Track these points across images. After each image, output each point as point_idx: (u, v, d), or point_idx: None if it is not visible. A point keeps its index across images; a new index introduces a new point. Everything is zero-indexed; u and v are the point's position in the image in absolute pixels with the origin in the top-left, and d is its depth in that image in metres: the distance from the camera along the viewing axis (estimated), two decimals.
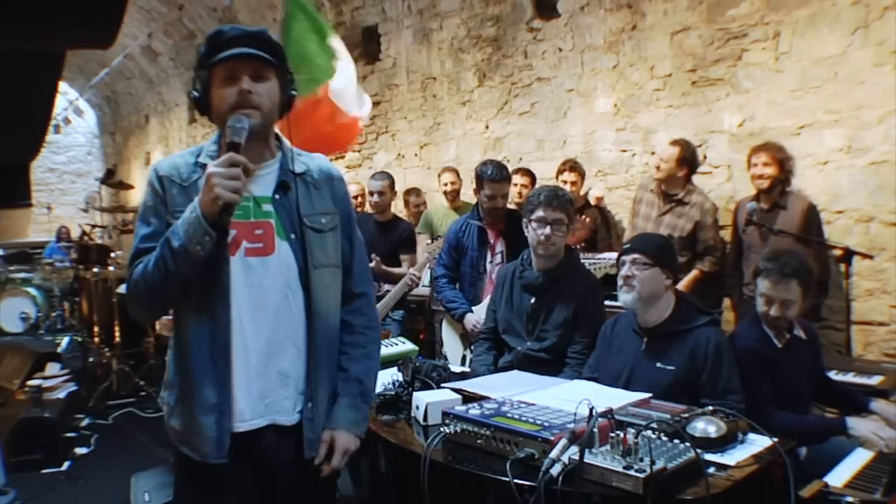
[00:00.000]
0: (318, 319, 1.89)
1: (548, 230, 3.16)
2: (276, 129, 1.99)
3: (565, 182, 5.13)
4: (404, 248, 5.10)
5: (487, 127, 6.69)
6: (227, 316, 1.79)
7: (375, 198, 5.17)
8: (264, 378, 1.83)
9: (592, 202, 5.36)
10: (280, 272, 1.85)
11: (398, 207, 6.38)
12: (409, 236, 5.24)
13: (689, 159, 4.57)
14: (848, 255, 3.98)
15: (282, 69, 1.88)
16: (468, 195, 6.45)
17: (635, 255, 2.72)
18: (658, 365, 2.66)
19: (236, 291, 1.80)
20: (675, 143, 4.66)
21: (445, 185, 6.00)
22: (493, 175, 4.01)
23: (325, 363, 1.93)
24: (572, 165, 5.26)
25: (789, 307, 2.77)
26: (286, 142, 1.98)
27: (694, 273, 4.52)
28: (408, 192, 6.70)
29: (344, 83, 4.63)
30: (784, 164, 4.22)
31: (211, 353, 1.79)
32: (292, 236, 1.87)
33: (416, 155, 7.54)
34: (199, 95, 1.86)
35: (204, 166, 1.80)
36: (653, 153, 4.87)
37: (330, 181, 2.00)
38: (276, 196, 1.88)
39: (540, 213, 3.18)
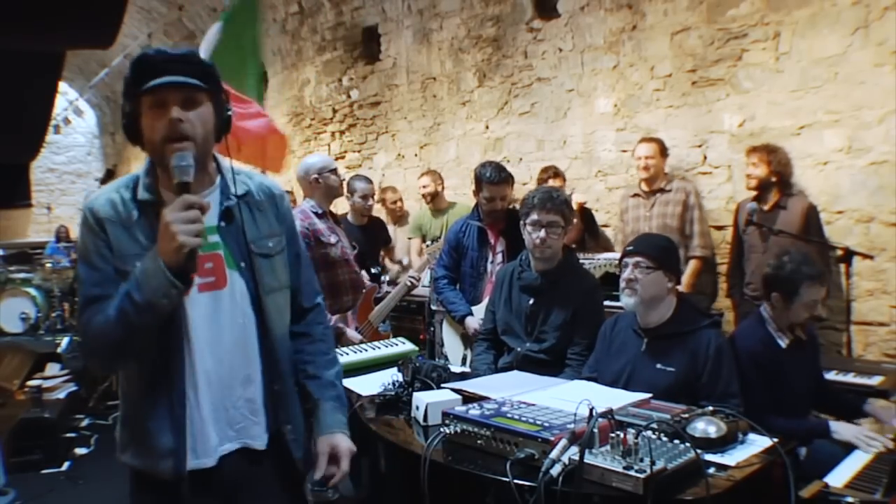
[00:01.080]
0: (276, 343, 1.86)
1: (543, 233, 3.15)
2: (213, 151, 1.88)
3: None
4: (385, 244, 5.30)
5: (487, 127, 6.69)
6: (181, 360, 1.73)
7: (369, 202, 5.16)
8: (233, 408, 1.79)
9: (574, 207, 5.34)
10: (234, 303, 1.80)
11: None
12: (386, 232, 5.46)
13: (665, 150, 4.88)
14: (848, 255, 3.99)
15: (214, 91, 1.77)
16: (458, 194, 6.49)
17: (638, 258, 2.71)
18: (658, 366, 2.66)
19: (195, 330, 1.74)
20: (647, 140, 4.90)
21: (424, 187, 6.01)
22: (492, 177, 4.01)
23: (291, 384, 1.93)
24: (555, 173, 5.36)
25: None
26: (224, 162, 1.88)
27: (692, 265, 4.57)
28: (384, 191, 6.74)
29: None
30: (774, 166, 4.26)
31: (168, 399, 1.73)
32: (242, 265, 1.81)
33: (415, 155, 7.54)
34: (127, 124, 1.75)
35: (142, 203, 1.74)
36: (638, 158, 4.91)
37: (272, 199, 1.93)
38: (222, 224, 1.81)
39: (534, 216, 3.17)
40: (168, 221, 1.55)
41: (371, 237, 5.16)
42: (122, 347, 1.68)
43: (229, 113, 1.84)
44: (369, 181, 5.22)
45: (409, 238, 5.99)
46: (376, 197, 5.87)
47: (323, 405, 1.93)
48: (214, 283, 1.77)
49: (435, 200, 5.96)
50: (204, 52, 4.45)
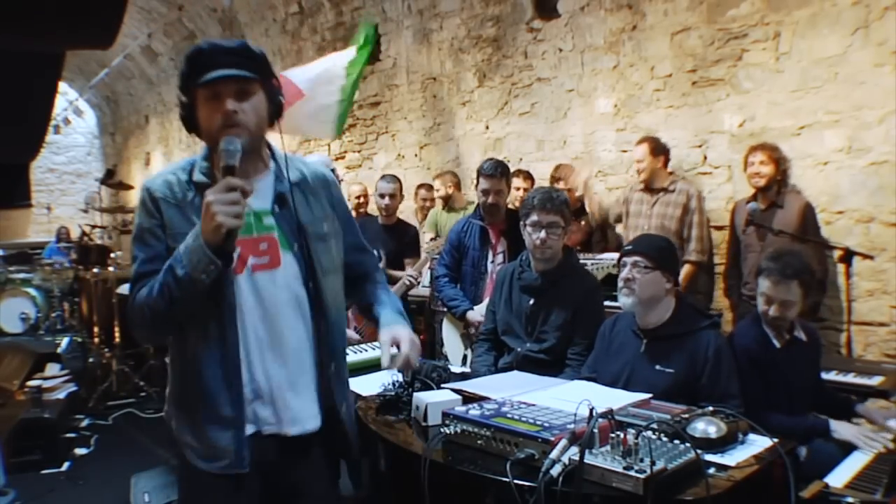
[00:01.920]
0: (330, 324, 1.92)
1: (543, 234, 3.15)
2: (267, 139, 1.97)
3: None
4: (409, 252, 5.09)
5: (488, 127, 6.69)
6: (235, 336, 1.79)
7: (386, 200, 5.10)
8: (290, 390, 1.85)
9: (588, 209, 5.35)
10: (287, 284, 1.86)
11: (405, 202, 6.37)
12: (413, 239, 5.23)
13: (659, 149, 4.83)
14: (848, 255, 3.99)
15: (266, 80, 1.84)
16: (470, 195, 6.47)
17: (636, 258, 2.70)
18: (657, 367, 2.66)
19: (247, 308, 1.81)
20: (641, 141, 4.89)
21: (438, 189, 6.01)
22: (487, 170, 4.05)
23: (344, 366, 2.00)
24: (526, 175, 5.51)
25: (789, 308, 2.77)
26: (278, 150, 1.96)
27: (686, 269, 4.57)
28: (419, 186, 6.70)
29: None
30: (780, 163, 4.28)
31: (224, 374, 1.79)
32: (296, 247, 1.87)
33: (416, 155, 7.54)
34: (185, 116, 1.84)
35: (198, 184, 1.80)
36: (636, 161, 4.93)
37: (326, 186, 2.01)
38: (276, 208, 1.88)
39: (535, 216, 3.17)
40: (209, 201, 1.62)
41: (394, 238, 5.07)
42: (164, 319, 1.75)
43: (281, 98, 1.91)
44: (392, 180, 5.21)
45: (423, 232, 5.96)
46: (402, 200, 5.84)
47: (384, 309, 2.05)
48: (269, 263, 1.85)
49: (449, 202, 5.96)
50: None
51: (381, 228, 5.10)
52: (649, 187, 4.83)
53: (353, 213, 5.91)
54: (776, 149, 4.35)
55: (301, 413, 1.87)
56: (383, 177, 5.29)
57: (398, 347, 1.93)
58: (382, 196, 5.11)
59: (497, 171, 4.06)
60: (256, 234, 1.84)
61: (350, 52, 5.36)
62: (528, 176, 5.55)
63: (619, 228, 5.33)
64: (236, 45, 1.82)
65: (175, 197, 1.82)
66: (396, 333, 1.95)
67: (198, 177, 1.84)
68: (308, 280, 1.88)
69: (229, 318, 1.78)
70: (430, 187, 6.61)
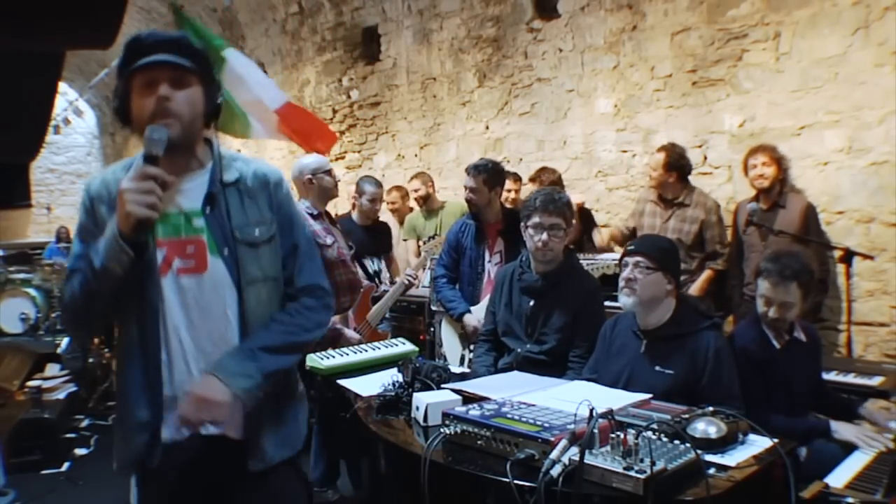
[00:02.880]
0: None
1: (545, 236, 3.13)
2: (211, 136, 1.91)
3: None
4: (385, 250, 5.18)
5: (487, 127, 6.69)
6: (157, 338, 1.75)
7: (376, 205, 5.08)
8: None
9: (574, 207, 5.30)
10: (215, 290, 1.79)
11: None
12: (389, 238, 5.32)
13: (676, 164, 4.59)
14: (848, 255, 3.99)
15: (205, 75, 1.80)
16: (458, 195, 6.45)
17: (639, 258, 2.70)
18: (657, 368, 2.65)
19: (172, 312, 1.76)
20: (661, 149, 4.71)
21: (416, 190, 5.91)
22: (468, 168, 4.15)
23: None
24: (516, 178, 5.43)
25: (789, 309, 2.77)
26: (220, 149, 1.89)
27: (707, 273, 4.54)
28: (390, 190, 6.62)
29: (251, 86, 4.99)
30: (781, 164, 4.27)
31: (144, 373, 1.76)
32: (225, 251, 1.79)
33: (416, 155, 7.54)
34: (119, 105, 1.79)
35: None
36: (653, 153, 4.91)
37: (266, 186, 1.89)
38: (207, 209, 1.80)
39: (536, 218, 3.16)
40: (122, 189, 1.59)
41: (374, 239, 5.11)
42: (85, 313, 1.76)
43: (219, 101, 1.85)
44: (379, 185, 5.14)
45: (404, 240, 5.96)
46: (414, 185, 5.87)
47: (235, 349, 1.80)
48: (194, 266, 1.78)
49: (427, 202, 5.93)
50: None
51: (362, 231, 5.05)
52: (662, 198, 4.69)
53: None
54: (775, 149, 4.34)
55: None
56: (368, 178, 5.20)
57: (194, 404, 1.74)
58: (373, 200, 5.04)
59: (475, 170, 4.11)
60: (184, 235, 1.77)
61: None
62: (517, 178, 5.50)
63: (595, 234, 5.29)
64: (176, 36, 1.80)
65: (110, 195, 1.76)
66: (195, 387, 1.74)
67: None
68: (237, 287, 1.80)
69: (151, 320, 1.75)
70: (398, 189, 6.52)
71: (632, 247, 2.78)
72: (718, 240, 4.55)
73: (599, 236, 5.22)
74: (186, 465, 1.82)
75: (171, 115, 1.70)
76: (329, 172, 3.97)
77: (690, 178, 5.02)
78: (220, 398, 1.71)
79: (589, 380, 2.80)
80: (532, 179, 5.28)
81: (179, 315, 1.77)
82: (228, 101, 4.78)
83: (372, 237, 5.08)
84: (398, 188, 6.50)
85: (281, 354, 1.84)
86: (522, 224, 3.26)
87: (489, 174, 4.14)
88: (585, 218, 5.32)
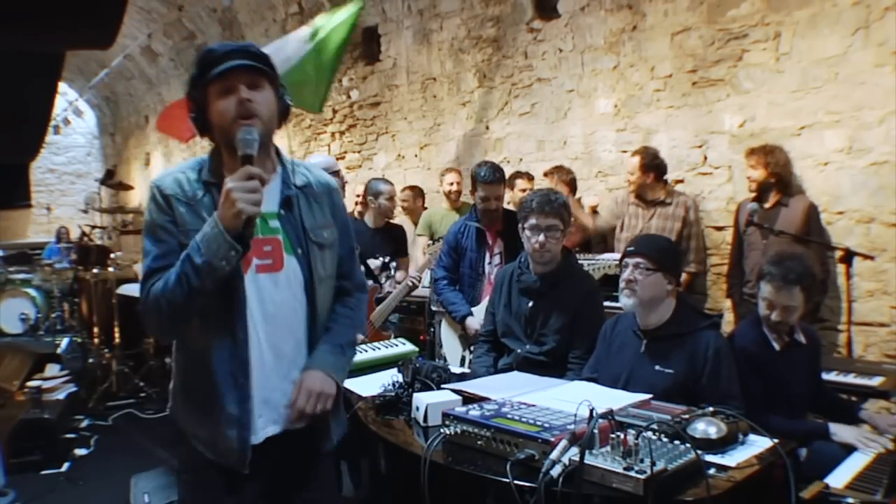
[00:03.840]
0: (321, 329, 1.96)
1: (542, 237, 3.13)
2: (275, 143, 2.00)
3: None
4: (401, 253, 5.03)
5: (488, 128, 6.69)
6: (244, 333, 1.82)
7: (387, 203, 4.91)
8: (281, 389, 1.88)
9: (587, 209, 5.33)
10: (289, 287, 1.89)
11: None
12: (403, 241, 5.18)
13: (651, 165, 4.74)
14: (849, 256, 3.98)
15: (274, 78, 1.89)
16: (468, 195, 6.45)
17: (638, 259, 2.70)
18: (657, 368, 2.65)
19: (251, 308, 1.83)
20: (635, 153, 4.85)
21: (451, 184, 5.86)
22: (486, 177, 4.02)
23: None
24: (529, 177, 5.45)
25: (791, 313, 2.76)
26: (285, 153, 2.00)
27: (684, 278, 4.56)
28: (406, 188, 6.59)
29: None
30: (772, 167, 4.27)
31: (231, 370, 1.82)
32: (299, 251, 1.90)
33: (416, 156, 7.54)
34: (197, 115, 1.86)
35: (207, 184, 1.84)
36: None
37: (329, 193, 2.03)
38: (282, 211, 1.91)
39: (533, 220, 3.16)
40: (229, 188, 1.66)
41: (384, 241, 4.94)
42: (181, 310, 1.77)
43: (289, 102, 1.96)
44: (390, 183, 5.10)
45: (418, 235, 5.90)
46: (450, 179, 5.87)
47: (321, 345, 1.97)
48: (272, 265, 1.88)
49: (457, 199, 5.90)
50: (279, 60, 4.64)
51: (370, 232, 4.92)
52: (643, 199, 4.79)
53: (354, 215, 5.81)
54: (772, 151, 4.33)
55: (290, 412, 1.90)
56: (383, 179, 5.15)
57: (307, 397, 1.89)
58: (389, 199, 4.93)
59: (496, 177, 4.05)
60: (262, 235, 1.86)
61: (307, 30, 5.33)
62: (530, 177, 5.50)
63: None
64: (245, 44, 1.89)
65: (185, 195, 1.84)
66: (304, 379, 1.91)
67: (206, 175, 1.87)
68: (308, 285, 1.91)
69: (240, 314, 1.81)
70: (412, 188, 6.48)
71: (631, 248, 2.78)
72: (695, 241, 4.68)
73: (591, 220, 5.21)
74: (273, 465, 1.91)
75: (253, 114, 1.78)
76: (337, 174, 3.96)
77: (690, 177, 5.05)
78: (330, 391, 1.91)
79: (589, 379, 2.80)
80: (547, 174, 5.29)
81: (257, 311, 1.84)
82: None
83: (385, 240, 4.93)
84: (412, 188, 6.51)
85: (352, 346, 2.11)
86: (520, 226, 3.26)
87: (505, 178, 4.15)
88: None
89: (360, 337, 3.81)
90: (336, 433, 2.06)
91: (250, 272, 1.84)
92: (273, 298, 1.86)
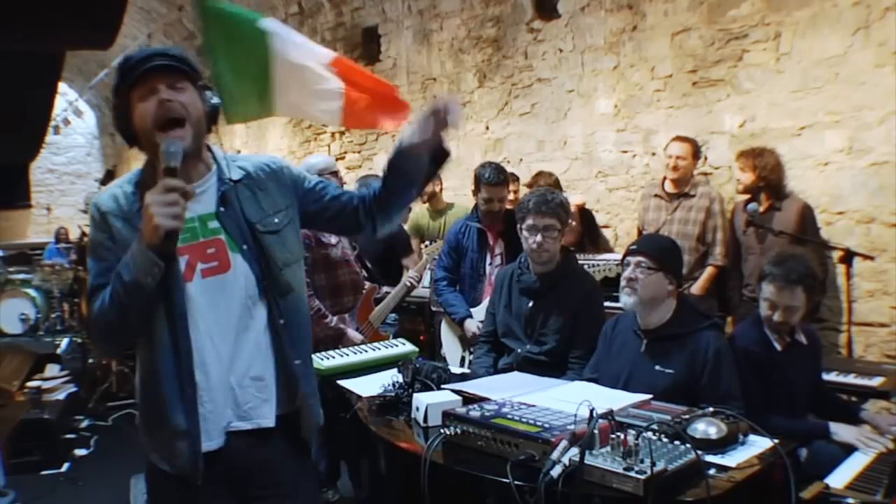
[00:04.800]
0: (291, 317, 1.90)
1: (539, 237, 3.14)
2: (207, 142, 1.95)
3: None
4: (406, 252, 5.04)
5: (488, 128, 6.69)
6: (188, 343, 1.77)
7: None
8: (241, 387, 1.83)
9: (572, 208, 5.31)
10: (239, 285, 1.84)
11: None
12: (406, 239, 5.18)
13: (698, 152, 4.77)
14: (849, 256, 3.98)
15: (196, 79, 1.85)
16: (458, 195, 6.45)
17: (640, 258, 2.70)
18: (657, 368, 2.65)
19: (199, 314, 1.79)
20: (682, 139, 4.73)
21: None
22: (491, 179, 4.01)
23: (309, 357, 2.00)
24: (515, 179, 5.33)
25: (793, 313, 2.76)
26: (218, 151, 1.95)
27: (708, 271, 4.54)
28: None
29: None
30: (760, 171, 4.26)
31: (178, 382, 1.78)
32: (244, 247, 1.85)
33: None
34: (121, 125, 1.83)
35: (142, 195, 1.78)
36: (653, 154, 4.94)
37: (273, 176, 1.97)
38: (221, 209, 1.86)
39: (530, 220, 3.17)
40: (147, 203, 1.62)
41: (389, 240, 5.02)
42: (117, 328, 1.76)
43: (215, 102, 1.90)
44: None
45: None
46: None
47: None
48: (218, 267, 1.83)
49: (433, 201, 5.90)
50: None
51: None
52: (670, 191, 4.71)
53: None
54: (761, 155, 4.32)
55: (255, 410, 1.85)
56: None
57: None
58: None
59: (500, 179, 4.04)
60: (203, 238, 1.83)
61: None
62: (515, 179, 5.47)
63: (608, 231, 5.33)
64: (164, 48, 1.86)
65: (121, 209, 1.81)
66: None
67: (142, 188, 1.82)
68: (262, 278, 1.86)
69: (181, 327, 1.77)
70: None
71: (634, 246, 2.79)
72: (721, 232, 4.58)
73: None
74: (233, 467, 1.86)
75: (176, 114, 1.75)
76: (336, 174, 3.96)
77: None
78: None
79: (590, 379, 2.81)
80: (529, 185, 5.28)
81: (208, 315, 1.81)
82: (234, 82, 4.43)
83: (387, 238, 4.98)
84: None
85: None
86: (518, 226, 3.26)
87: (508, 179, 4.15)
88: (586, 219, 5.32)
89: (360, 338, 3.84)
90: (308, 425, 1.98)
91: (196, 278, 1.80)
92: (224, 299, 1.82)
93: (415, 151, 1.93)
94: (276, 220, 1.91)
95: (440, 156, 1.98)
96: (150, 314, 1.75)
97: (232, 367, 1.83)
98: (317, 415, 2.00)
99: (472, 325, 3.92)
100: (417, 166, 1.96)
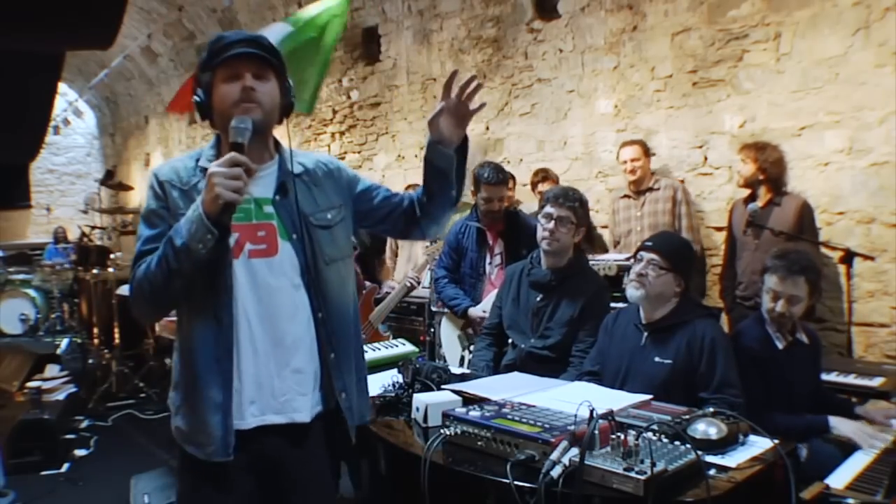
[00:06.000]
0: (334, 312, 1.92)
1: (552, 225, 3.20)
2: (275, 134, 2.00)
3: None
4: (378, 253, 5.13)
5: (488, 128, 6.69)
6: (230, 317, 1.80)
7: None
8: (278, 377, 1.85)
9: None
10: (284, 272, 1.87)
11: None
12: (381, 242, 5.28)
13: (648, 150, 4.98)
14: (849, 256, 3.97)
15: (281, 72, 1.91)
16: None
17: (653, 256, 2.72)
18: (656, 360, 2.68)
19: (242, 293, 1.82)
20: (631, 143, 4.99)
21: None
22: (490, 178, 4.02)
23: (348, 354, 1.98)
24: (545, 175, 5.50)
25: (795, 304, 2.77)
26: (284, 145, 2.00)
27: None
28: None
29: None
30: (761, 164, 4.26)
31: (215, 354, 1.80)
32: (294, 237, 1.89)
33: (416, 156, 7.53)
34: (202, 99, 1.88)
35: (204, 170, 1.81)
36: (654, 154, 5.01)
37: (330, 175, 2.03)
38: (277, 197, 1.90)
39: (548, 209, 3.24)
40: (212, 173, 1.66)
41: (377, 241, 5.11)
42: (161, 293, 1.77)
43: (293, 99, 1.96)
44: None
45: None
46: None
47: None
48: (266, 250, 1.87)
49: None
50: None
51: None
52: (636, 190, 4.93)
53: None
54: (763, 148, 4.32)
55: (291, 403, 1.86)
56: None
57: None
58: None
59: (499, 179, 4.05)
60: (255, 220, 1.87)
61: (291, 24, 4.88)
62: (511, 178, 5.51)
63: (605, 232, 5.38)
64: (257, 35, 1.91)
65: (181, 181, 1.87)
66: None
67: (204, 163, 1.88)
68: (306, 269, 1.88)
69: (226, 300, 1.80)
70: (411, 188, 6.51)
71: (649, 242, 2.81)
72: (686, 220, 4.77)
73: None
74: (268, 459, 1.87)
75: (255, 101, 1.80)
76: None
77: (691, 177, 5.06)
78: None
79: (591, 372, 2.84)
80: (534, 185, 5.42)
81: (249, 295, 1.83)
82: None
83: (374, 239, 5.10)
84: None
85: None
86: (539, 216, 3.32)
87: (507, 178, 4.16)
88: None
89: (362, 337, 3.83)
90: (357, 415, 1.98)
91: (242, 257, 1.83)
92: (267, 282, 1.85)
93: (442, 145, 1.96)
94: (329, 216, 1.96)
95: (464, 144, 2.02)
96: (196, 284, 1.77)
97: (273, 355, 1.85)
98: (353, 419, 1.97)
99: (477, 311, 3.93)
100: (446, 161, 1.98)
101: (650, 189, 4.88)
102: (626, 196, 5.00)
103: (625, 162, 4.93)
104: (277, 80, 1.89)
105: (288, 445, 1.88)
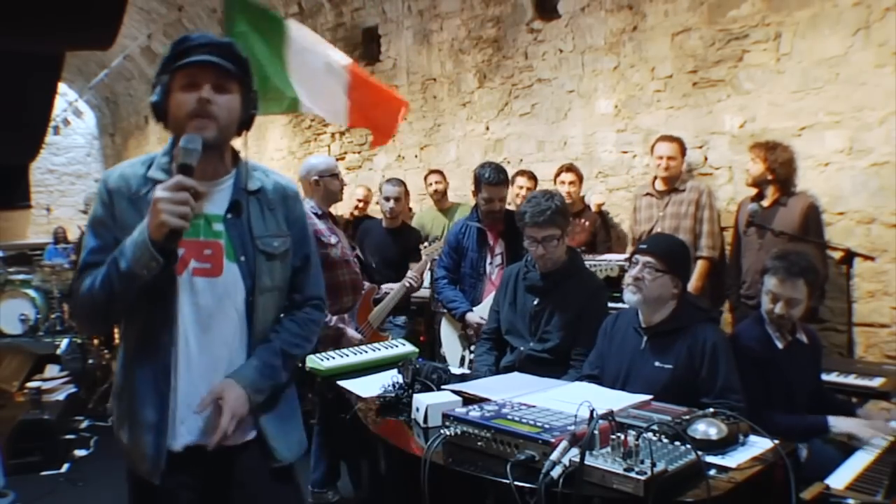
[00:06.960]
0: (256, 342, 1.87)
1: (540, 249, 3.18)
2: (233, 145, 1.92)
3: (563, 182, 5.19)
4: (413, 256, 5.06)
5: (488, 128, 6.69)
6: (170, 336, 1.76)
7: (391, 203, 5.08)
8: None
9: (592, 208, 5.37)
10: (227, 294, 1.81)
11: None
12: (417, 243, 5.19)
13: (685, 149, 4.81)
14: (849, 256, 3.97)
15: (245, 84, 1.83)
16: (458, 195, 6.47)
17: (649, 258, 2.70)
18: (656, 364, 2.66)
19: (183, 311, 1.77)
20: (669, 139, 4.79)
21: (430, 185, 6.05)
22: (491, 178, 4.01)
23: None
24: (569, 167, 5.35)
25: (794, 305, 2.77)
26: (242, 157, 1.92)
27: (700, 266, 4.52)
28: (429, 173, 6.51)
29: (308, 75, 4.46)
30: (771, 163, 4.23)
31: (153, 373, 1.76)
32: (242, 259, 1.82)
33: (416, 156, 7.53)
34: (158, 100, 1.80)
35: (153, 180, 1.76)
36: (659, 157, 4.95)
37: (284, 200, 1.94)
38: (228, 216, 1.83)
39: (529, 232, 3.20)
40: (157, 198, 1.59)
41: (397, 242, 5.07)
42: (103, 312, 1.75)
43: (254, 112, 1.87)
44: (397, 183, 5.19)
45: None
46: (408, 203, 5.83)
47: (250, 360, 1.85)
48: (210, 269, 1.80)
49: (442, 199, 5.96)
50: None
51: (384, 232, 5.11)
52: (661, 189, 4.77)
53: (354, 214, 5.85)
54: (774, 148, 4.30)
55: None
56: (389, 180, 5.29)
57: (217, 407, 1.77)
58: (388, 199, 5.09)
59: (500, 179, 4.05)
60: (203, 237, 1.80)
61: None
62: (531, 176, 5.50)
63: (625, 227, 5.35)
64: (225, 41, 1.82)
65: (129, 190, 1.79)
66: (225, 391, 1.77)
67: (154, 173, 1.81)
68: (250, 293, 1.83)
69: (168, 318, 1.76)
70: (441, 173, 6.39)
71: (643, 246, 2.79)
72: (708, 225, 4.62)
73: None
74: (200, 480, 1.83)
75: (209, 116, 1.72)
76: (336, 176, 3.95)
77: (692, 178, 5.04)
78: (243, 412, 1.79)
79: (590, 375, 2.83)
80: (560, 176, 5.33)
81: (190, 315, 1.78)
82: (268, 76, 4.47)
83: (395, 241, 5.08)
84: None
85: (289, 366, 1.94)
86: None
87: (508, 178, 4.16)
88: (603, 219, 5.34)
89: (359, 337, 3.83)
90: (284, 448, 1.91)
91: (186, 274, 1.76)
92: (208, 304, 1.78)
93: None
94: (276, 244, 1.89)
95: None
96: (140, 303, 1.73)
97: (205, 378, 1.79)
98: (293, 436, 1.94)
99: (475, 317, 3.92)
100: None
101: (675, 190, 4.71)
102: (648, 194, 4.84)
103: (660, 157, 4.72)
104: (240, 91, 1.80)
105: (223, 467, 1.84)
